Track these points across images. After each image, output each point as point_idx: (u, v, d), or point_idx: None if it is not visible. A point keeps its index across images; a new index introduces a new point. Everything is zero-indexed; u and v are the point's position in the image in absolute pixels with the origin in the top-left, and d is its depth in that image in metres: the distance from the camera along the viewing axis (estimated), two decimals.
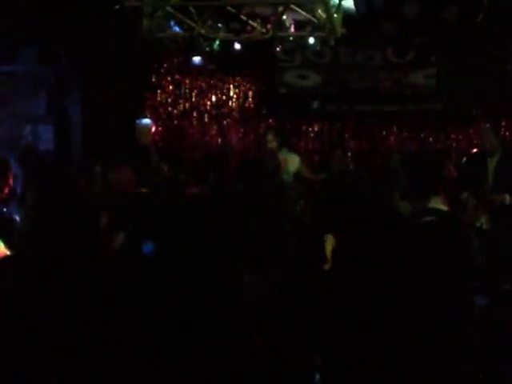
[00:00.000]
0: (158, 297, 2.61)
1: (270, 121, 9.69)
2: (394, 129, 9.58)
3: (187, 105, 9.81)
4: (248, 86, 9.77)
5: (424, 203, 3.27)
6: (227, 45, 8.81)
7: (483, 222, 5.16)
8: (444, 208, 3.36)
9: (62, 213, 3.14)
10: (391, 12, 8.48)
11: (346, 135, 9.66)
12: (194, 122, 9.83)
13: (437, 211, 3.30)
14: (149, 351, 2.49)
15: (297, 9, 8.47)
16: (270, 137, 7.61)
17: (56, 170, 8.00)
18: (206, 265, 2.70)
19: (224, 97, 9.79)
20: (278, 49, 9.32)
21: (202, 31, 8.57)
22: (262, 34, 8.63)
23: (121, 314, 2.61)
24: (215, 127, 9.82)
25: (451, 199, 4.85)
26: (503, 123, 8.99)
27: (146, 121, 8.07)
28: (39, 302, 2.72)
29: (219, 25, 8.67)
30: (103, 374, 2.49)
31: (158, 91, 9.73)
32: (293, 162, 7.51)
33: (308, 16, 8.51)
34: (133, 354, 2.50)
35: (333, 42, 8.98)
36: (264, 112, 9.76)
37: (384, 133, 9.62)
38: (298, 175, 7.52)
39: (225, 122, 9.82)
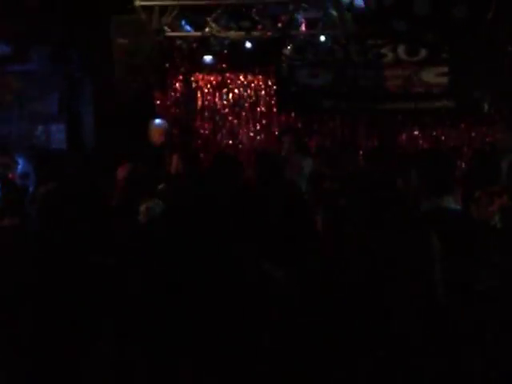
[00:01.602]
0: (173, 290, 2.61)
1: (283, 119, 9.68)
2: (406, 127, 9.54)
3: (198, 104, 9.81)
4: (259, 84, 9.76)
5: (437, 202, 3.25)
6: (238, 43, 8.82)
7: (497, 220, 5.12)
8: (457, 207, 3.35)
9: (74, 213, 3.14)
10: (402, 9, 8.50)
11: (358, 133, 9.63)
12: (206, 121, 9.82)
13: (449, 210, 3.29)
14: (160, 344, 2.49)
15: (308, 7, 8.46)
16: (289, 138, 7.57)
17: (68, 170, 8.02)
18: (222, 259, 2.70)
19: (235, 96, 9.78)
20: (289, 47, 9.30)
21: (213, 30, 8.58)
22: (273, 32, 8.63)
23: (133, 308, 2.61)
24: (226, 126, 9.82)
25: (465, 197, 4.82)
26: None
27: (159, 121, 8.08)
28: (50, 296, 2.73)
29: (230, 24, 8.68)
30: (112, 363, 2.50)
31: (170, 90, 9.73)
32: (307, 164, 7.48)
33: (319, 14, 8.50)
34: (144, 346, 2.50)
35: (344, 40, 8.98)
36: (275, 110, 9.75)
37: (396, 131, 9.58)
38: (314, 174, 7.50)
39: (236, 120, 9.81)
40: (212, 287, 2.59)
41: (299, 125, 9.67)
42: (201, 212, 2.98)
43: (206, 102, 9.80)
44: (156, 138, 7.80)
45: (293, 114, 9.69)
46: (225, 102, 9.80)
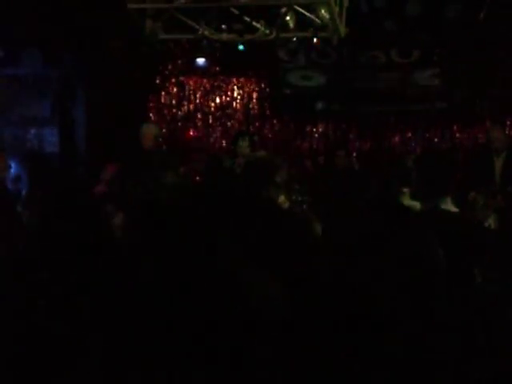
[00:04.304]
0: (159, 295, 2.60)
1: (275, 121, 9.69)
2: (399, 129, 9.57)
3: (191, 106, 9.81)
4: (252, 87, 9.77)
5: (435, 203, 3.25)
6: (231, 46, 8.81)
7: (491, 221, 5.14)
8: (454, 209, 3.35)
9: (69, 215, 3.14)
10: (393, 10, 8.53)
11: (351, 135, 9.65)
12: (198, 124, 9.83)
13: (446, 212, 3.29)
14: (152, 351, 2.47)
15: (300, 9, 8.47)
16: (244, 143, 7.56)
17: (61, 173, 8.00)
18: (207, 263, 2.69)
19: (228, 98, 9.79)
20: (281, 50, 9.32)
21: (206, 33, 8.57)
22: (266, 34, 8.63)
23: (124, 316, 2.59)
24: (219, 129, 9.82)
25: (459, 199, 4.82)
26: (508, 122, 8.98)
27: (150, 125, 8.07)
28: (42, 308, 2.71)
29: (223, 26, 8.68)
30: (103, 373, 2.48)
31: (162, 93, 9.73)
32: None
33: (311, 16, 8.51)
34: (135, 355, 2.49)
35: (336, 43, 8.98)
36: (268, 113, 9.76)
37: (388, 133, 9.60)
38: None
39: (229, 123, 9.81)
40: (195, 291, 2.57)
41: (292, 127, 9.71)
42: (185, 214, 2.96)
43: (199, 105, 9.81)
44: (146, 142, 7.80)
45: (285, 117, 9.71)
46: (217, 105, 9.80)
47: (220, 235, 2.80)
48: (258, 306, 2.60)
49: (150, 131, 7.93)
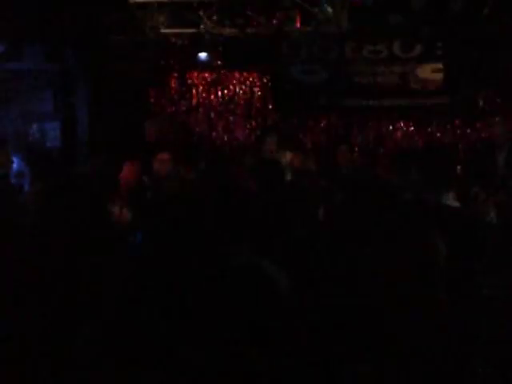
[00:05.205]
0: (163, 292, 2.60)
1: (277, 116, 9.67)
2: (401, 123, 9.54)
3: (193, 101, 9.79)
4: (254, 81, 9.75)
5: (436, 199, 3.25)
6: (233, 40, 8.81)
7: (493, 216, 5.13)
8: (456, 204, 3.34)
9: (71, 210, 3.14)
10: (398, 3, 8.50)
11: (353, 130, 9.63)
12: (201, 119, 9.81)
13: (448, 207, 3.29)
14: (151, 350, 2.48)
15: (303, 3, 8.46)
16: (272, 140, 7.54)
17: (63, 168, 8.00)
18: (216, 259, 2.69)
19: (230, 93, 9.77)
20: (283, 44, 9.29)
21: (208, 27, 8.57)
22: (268, 28, 8.63)
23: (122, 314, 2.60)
24: (221, 123, 9.81)
25: (461, 194, 4.81)
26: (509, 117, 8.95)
27: (153, 119, 8.09)
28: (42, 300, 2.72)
29: (225, 21, 8.68)
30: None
31: (165, 88, 9.72)
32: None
33: (314, 10, 8.50)
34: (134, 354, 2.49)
35: (339, 37, 8.97)
36: (270, 107, 9.74)
37: (391, 128, 9.57)
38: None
39: (231, 117, 9.79)
40: (198, 285, 2.57)
41: (294, 121, 9.69)
42: (188, 211, 2.96)
43: (201, 100, 9.79)
44: (150, 135, 7.82)
45: (288, 111, 9.68)
46: (220, 99, 9.78)
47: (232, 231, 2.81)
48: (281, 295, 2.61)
49: (152, 125, 7.96)
